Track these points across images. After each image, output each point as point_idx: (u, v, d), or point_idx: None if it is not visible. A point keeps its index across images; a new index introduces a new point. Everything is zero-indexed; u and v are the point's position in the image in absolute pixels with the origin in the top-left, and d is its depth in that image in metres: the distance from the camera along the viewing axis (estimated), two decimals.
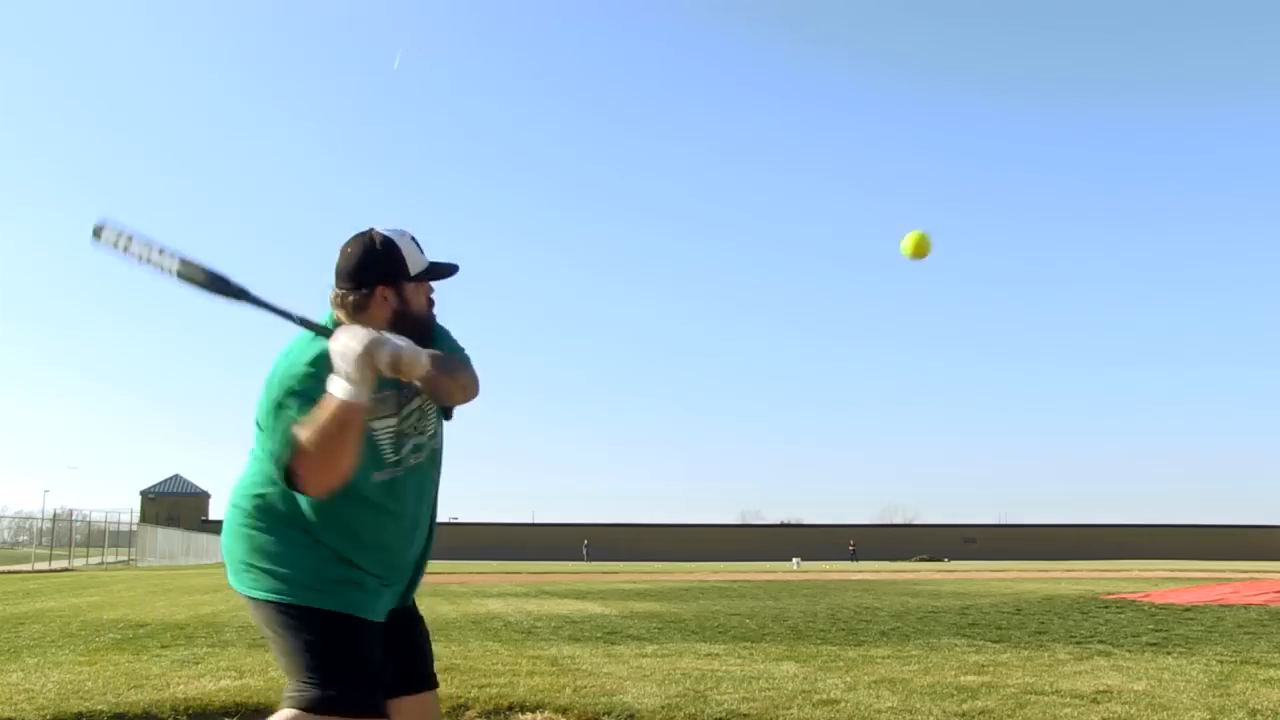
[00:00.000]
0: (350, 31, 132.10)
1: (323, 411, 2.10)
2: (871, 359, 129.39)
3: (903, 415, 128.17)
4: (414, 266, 2.40)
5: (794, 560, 56.22)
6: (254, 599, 2.43)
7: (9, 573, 34.60)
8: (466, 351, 2.54)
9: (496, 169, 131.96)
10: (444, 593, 16.98)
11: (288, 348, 2.37)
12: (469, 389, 2.42)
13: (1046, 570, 36.51)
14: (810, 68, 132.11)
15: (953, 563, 61.64)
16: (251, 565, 2.42)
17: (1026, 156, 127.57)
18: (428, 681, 2.55)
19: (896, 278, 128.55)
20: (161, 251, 2.30)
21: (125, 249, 2.30)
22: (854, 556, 70.39)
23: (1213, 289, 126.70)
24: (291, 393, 2.22)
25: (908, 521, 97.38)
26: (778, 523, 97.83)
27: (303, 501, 2.31)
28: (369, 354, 2.09)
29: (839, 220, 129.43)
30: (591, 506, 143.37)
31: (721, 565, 49.04)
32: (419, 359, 2.15)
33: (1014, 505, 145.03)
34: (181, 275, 2.28)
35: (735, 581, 23.37)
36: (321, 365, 2.20)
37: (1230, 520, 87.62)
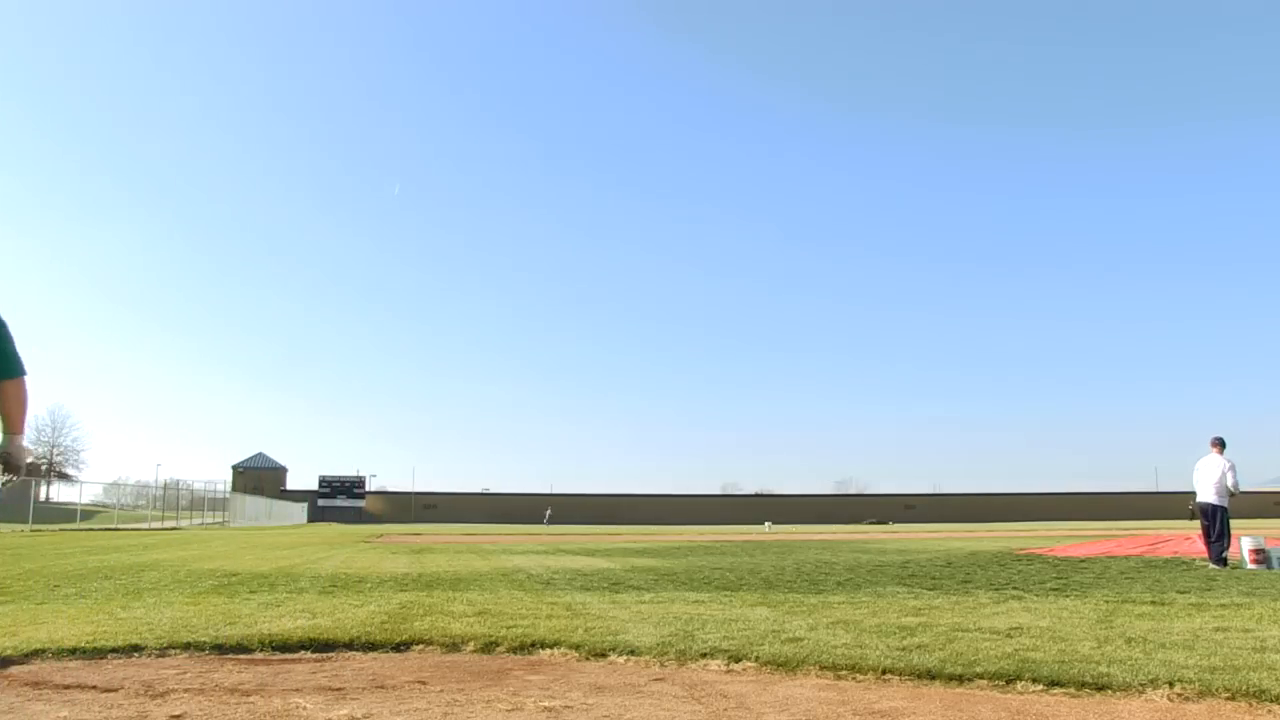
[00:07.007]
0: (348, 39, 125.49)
1: None
2: (831, 356, 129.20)
3: (857, 402, 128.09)
4: None
5: (766, 524, 56.16)
6: None
7: (131, 530, 34.65)
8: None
9: (494, 166, 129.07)
10: (477, 550, 16.97)
11: None
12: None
13: (972, 531, 36.47)
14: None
15: (896, 525, 61.58)
16: None
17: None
18: None
19: (852, 284, 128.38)
20: None
21: None
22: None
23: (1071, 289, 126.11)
24: None
25: (860, 491, 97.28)
26: (753, 493, 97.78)
27: None
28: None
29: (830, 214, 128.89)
30: (599, 479, 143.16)
31: (706, 528, 48.98)
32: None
33: (946, 477, 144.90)
34: None
35: (717, 542, 23.35)
36: None
37: (1116, 488, 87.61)
